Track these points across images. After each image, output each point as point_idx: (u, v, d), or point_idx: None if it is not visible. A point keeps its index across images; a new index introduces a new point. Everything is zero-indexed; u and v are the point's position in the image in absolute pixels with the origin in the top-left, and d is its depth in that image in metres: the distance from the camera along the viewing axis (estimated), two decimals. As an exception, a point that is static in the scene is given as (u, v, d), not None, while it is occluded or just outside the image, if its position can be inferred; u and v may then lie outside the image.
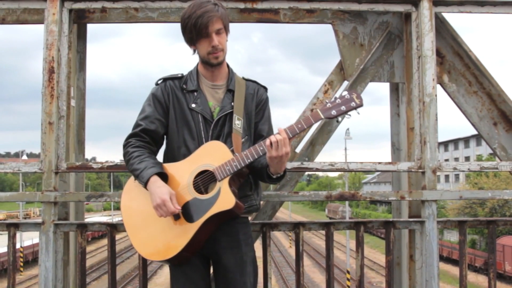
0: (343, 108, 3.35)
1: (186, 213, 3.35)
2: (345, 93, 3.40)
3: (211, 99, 3.61)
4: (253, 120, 3.67)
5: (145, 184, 3.37)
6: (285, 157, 3.29)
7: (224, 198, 3.30)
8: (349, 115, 3.41)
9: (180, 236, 3.32)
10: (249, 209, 3.64)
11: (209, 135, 3.52)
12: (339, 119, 3.45)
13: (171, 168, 3.51)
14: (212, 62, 3.52)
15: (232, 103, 3.58)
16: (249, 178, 3.64)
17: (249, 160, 3.33)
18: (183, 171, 3.44)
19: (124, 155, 3.58)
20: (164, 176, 3.43)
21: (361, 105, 3.37)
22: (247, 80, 3.75)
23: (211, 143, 3.47)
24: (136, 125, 3.60)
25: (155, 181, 3.35)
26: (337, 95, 3.41)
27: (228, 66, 3.71)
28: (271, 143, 3.24)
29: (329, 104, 3.38)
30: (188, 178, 3.41)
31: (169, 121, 3.61)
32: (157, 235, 3.41)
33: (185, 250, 3.32)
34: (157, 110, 3.60)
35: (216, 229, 3.45)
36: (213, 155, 3.40)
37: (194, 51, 3.59)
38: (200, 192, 3.38)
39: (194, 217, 3.32)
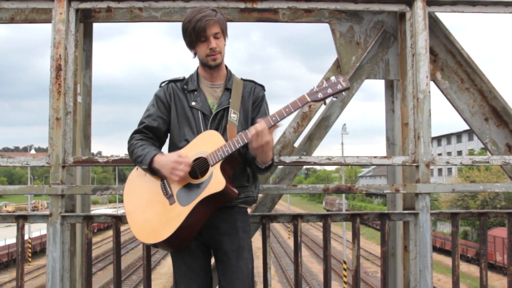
0: (329, 90, 3.39)
1: (180, 197, 3.40)
2: (333, 78, 3.44)
3: (210, 97, 3.70)
4: (250, 116, 3.72)
5: (149, 165, 3.45)
6: (267, 146, 3.32)
7: (215, 181, 3.34)
8: (336, 97, 3.45)
9: (173, 219, 3.36)
10: (246, 200, 3.69)
11: (208, 128, 3.59)
12: (326, 101, 3.46)
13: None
14: (210, 64, 3.61)
15: (230, 100, 3.65)
16: (247, 170, 3.69)
17: (239, 145, 3.37)
18: None
19: (128, 148, 3.65)
20: None
21: (347, 88, 3.41)
22: (245, 80, 3.82)
23: (206, 132, 3.54)
24: (140, 123, 3.70)
25: (159, 157, 3.45)
26: (324, 80, 3.45)
27: (226, 68, 3.79)
28: (252, 135, 3.29)
29: (316, 88, 3.42)
30: None
31: (171, 119, 3.70)
32: (153, 219, 3.45)
33: (178, 233, 3.35)
34: (160, 109, 3.71)
35: (213, 216, 3.49)
36: (207, 143, 3.46)
37: (195, 54, 3.68)
38: (196, 178, 3.42)
39: (187, 200, 3.37)
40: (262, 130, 3.28)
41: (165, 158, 3.42)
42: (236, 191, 3.44)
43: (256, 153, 3.37)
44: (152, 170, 3.48)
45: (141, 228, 3.49)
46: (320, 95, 3.39)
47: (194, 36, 3.54)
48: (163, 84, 3.81)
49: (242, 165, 3.62)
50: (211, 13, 3.54)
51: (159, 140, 3.72)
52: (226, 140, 3.47)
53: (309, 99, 3.40)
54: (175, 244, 3.47)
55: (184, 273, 3.63)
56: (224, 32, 3.61)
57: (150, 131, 3.67)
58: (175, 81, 3.79)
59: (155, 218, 3.44)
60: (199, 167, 3.44)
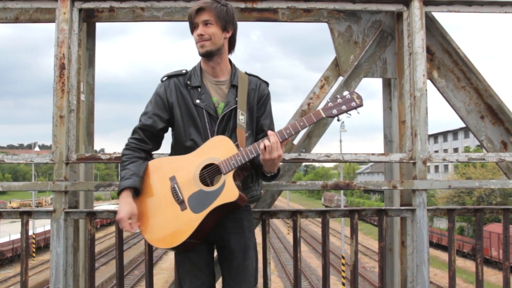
0: (343, 107, 3.39)
1: (192, 203, 3.36)
2: (346, 93, 3.44)
3: (214, 94, 3.60)
4: (255, 115, 3.67)
5: (118, 194, 3.47)
6: (278, 160, 3.33)
7: (228, 191, 3.31)
8: (349, 114, 3.44)
9: (186, 226, 3.34)
10: (251, 199, 3.67)
11: (215, 130, 3.52)
12: (340, 118, 3.45)
13: (179, 160, 3.53)
14: (199, 51, 3.55)
15: (236, 99, 3.58)
16: (251, 171, 3.65)
17: (252, 155, 3.35)
18: (190, 164, 3.45)
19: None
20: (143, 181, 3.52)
21: (361, 105, 3.42)
22: (249, 75, 3.74)
23: (217, 138, 3.47)
24: (138, 120, 3.65)
25: (125, 196, 3.43)
26: (338, 95, 3.43)
27: (231, 62, 3.71)
28: (265, 147, 3.29)
29: (330, 103, 3.42)
30: (194, 171, 3.42)
31: (175, 117, 3.60)
32: (164, 224, 3.42)
33: (190, 239, 3.34)
34: (157, 106, 3.61)
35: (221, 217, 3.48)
36: (219, 149, 3.41)
37: None
38: (206, 184, 3.39)
39: (199, 208, 3.34)
40: (275, 143, 3.30)
41: (123, 206, 3.40)
42: (246, 198, 3.44)
43: (265, 164, 3.37)
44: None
45: (153, 232, 3.46)
46: (334, 112, 3.41)
47: (189, 23, 3.56)
48: (164, 79, 3.70)
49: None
50: (208, 2, 3.50)
51: (154, 138, 3.64)
52: (235, 142, 3.45)
53: (324, 115, 3.41)
54: (183, 248, 3.46)
55: (188, 269, 3.60)
56: (219, 22, 3.51)
57: (144, 130, 3.59)
58: (177, 75, 3.68)
59: (167, 224, 3.42)
60: (210, 174, 3.42)
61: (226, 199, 3.31)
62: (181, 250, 3.54)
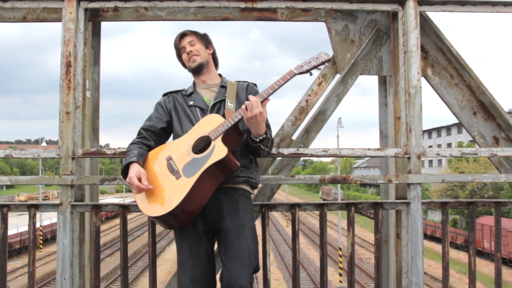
0: (313, 63, 3.67)
1: (186, 171, 3.51)
2: (315, 54, 3.72)
3: (206, 95, 3.94)
4: None
5: (126, 167, 3.66)
6: (260, 117, 3.51)
7: (218, 150, 3.49)
8: (319, 68, 3.72)
9: (180, 191, 3.44)
10: (248, 180, 3.80)
11: None
12: (312, 72, 3.69)
13: (173, 143, 3.77)
14: (190, 66, 3.99)
15: (225, 94, 3.86)
16: (249, 155, 3.82)
17: (237, 118, 3.55)
18: (184, 142, 3.66)
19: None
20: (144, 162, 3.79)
21: (329, 60, 3.72)
22: (238, 81, 4.06)
23: (206, 116, 3.75)
24: (142, 124, 3.98)
25: (132, 167, 3.61)
26: (309, 57, 3.73)
27: (221, 75, 4.09)
28: (246, 107, 3.49)
29: (301, 64, 3.68)
30: (188, 146, 3.61)
31: (173, 118, 3.93)
32: (160, 193, 3.55)
33: (184, 203, 3.42)
34: (158, 112, 4.00)
35: (217, 198, 3.62)
36: (208, 124, 3.64)
37: (184, 66, 4.09)
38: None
39: (192, 172, 3.47)
40: (255, 101, 3.49)
41: (131, 170, 3.61)
42: (237, 162, 3.56)
43: (250, 124, 3.53)
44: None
45: (150, 203, 3.56)
46: (305, 68, 3.67)
47: (176, 50, 4.07)
48: (165, 96, 4.10)
49: (244, 148, 3.75)
50: (186, 30, 4.04)
51: (156, 136, 3.93)
52: None
53: (296, 72, 3.66)
54: (181, 218, 3.52)
55: (187, 258, 3.65)
56: (201, 41, 4.01)
57: (146, 130, 3.93)
58: (175, 91, 4.08)
59: (163, 193, 3.53)
60: (201, 144, 3.58)
61: (216, 158, 3.46)
62: (178, 223, 3.60)
